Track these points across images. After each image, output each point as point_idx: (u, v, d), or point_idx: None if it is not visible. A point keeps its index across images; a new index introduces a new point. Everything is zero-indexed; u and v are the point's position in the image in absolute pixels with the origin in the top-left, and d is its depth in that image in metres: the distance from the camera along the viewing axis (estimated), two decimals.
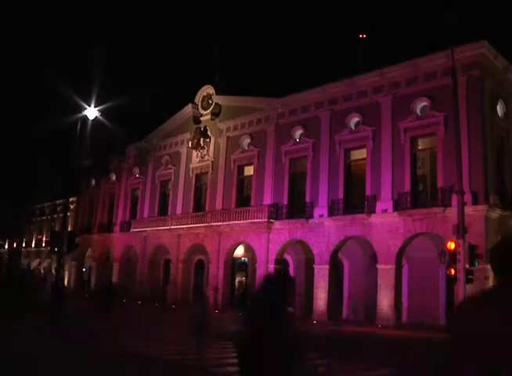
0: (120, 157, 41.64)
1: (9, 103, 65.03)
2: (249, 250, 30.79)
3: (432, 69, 23.39)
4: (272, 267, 27.81)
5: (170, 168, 37.17)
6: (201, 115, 35.01)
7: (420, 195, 23.45)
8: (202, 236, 32.10)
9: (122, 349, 12.74)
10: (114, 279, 36.74)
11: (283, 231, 27.73)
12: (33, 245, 60.52)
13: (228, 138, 32.97)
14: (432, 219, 21.92)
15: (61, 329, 16.14)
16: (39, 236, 59.38)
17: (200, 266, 34.66)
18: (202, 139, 34.12)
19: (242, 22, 67.73)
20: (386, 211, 23.59)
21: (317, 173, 27.07)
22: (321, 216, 26.09)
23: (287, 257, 29.55)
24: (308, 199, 27.15)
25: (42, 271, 50.53)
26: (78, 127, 27.61)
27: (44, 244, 55.50)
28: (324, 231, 25.81)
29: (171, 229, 33.99)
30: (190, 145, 34.67)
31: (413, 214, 22.56)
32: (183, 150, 36.17)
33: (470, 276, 18.61)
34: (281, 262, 28.40)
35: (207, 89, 35.14)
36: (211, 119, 34.04)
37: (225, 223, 30.29)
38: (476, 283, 19.20)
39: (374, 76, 25.54)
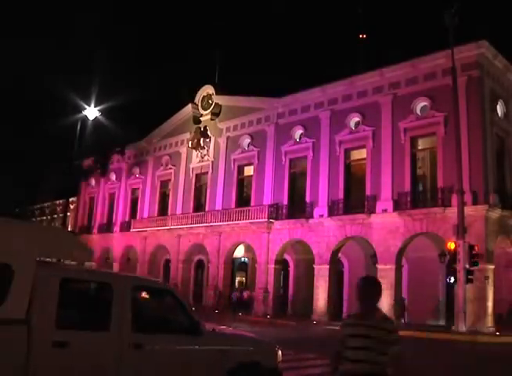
0: (120, 157, 41.65)
1: (9, 102, 65.04)
2: (249, 250, 30.79)
3: (432, 69, 23.38)
4: (272, 267, 27.83)
5: (170, 168, 37.15)
6: (201, 115, 34.99)
7: (420, 195, 23.41)
8: (202, 236, 32.08)
9: None
10: None
11: (282, 231, 27.72)
12: None
13: (228, 138, 32.96)
14: (432, 219, 21.91)
15: None
16: None
17: (200, 266, 34.68)
18: (202, 139, 34.09)
19: (242, 22, 67.78)
20: (386, 211, 23.59)
21: (317, 173, 27.06)
22: (321, 216, 26.10)
23: (287, 257, 29.56)
24: (308, 199, 27.15)
25: None
26: (78, 127, 27.70)
27: None
28: (324, 231, 25.81)
29: (170, 229, 33.97)
30: (190, 145, 34.64)
31: (413, 214, 22.54)
32: (183, 150, 36.15)
33: (470, 276, 18.63)
34: (281, 262, 28.42)
35: (207, 89, 35.12)
36: (211, 119, 34.02)
37: (225, 223, 30.27)
38: (476, 283, 19.26)
39: (374, 76, 25.53)
